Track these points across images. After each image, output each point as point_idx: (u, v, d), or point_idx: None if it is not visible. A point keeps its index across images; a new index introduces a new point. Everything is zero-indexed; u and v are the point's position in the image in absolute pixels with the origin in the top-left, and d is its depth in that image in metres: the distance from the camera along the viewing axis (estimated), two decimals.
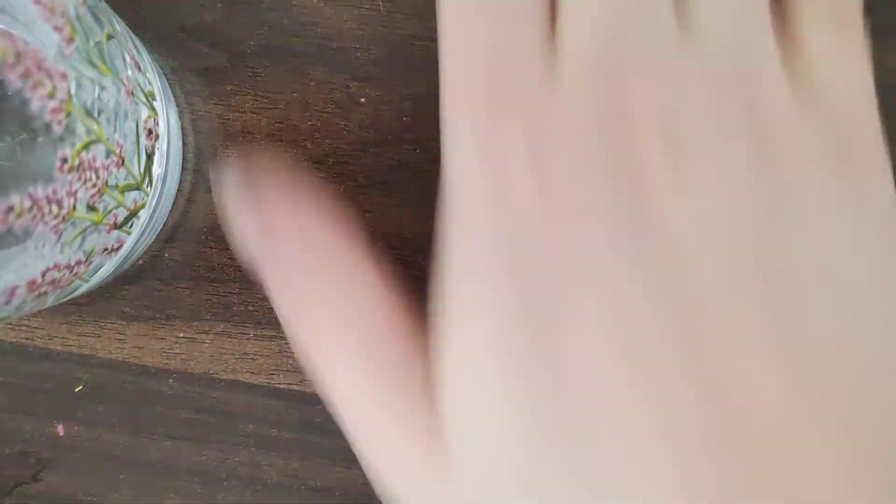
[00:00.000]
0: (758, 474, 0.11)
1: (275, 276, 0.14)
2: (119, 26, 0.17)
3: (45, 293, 0.16)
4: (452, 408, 0.12)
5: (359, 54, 0.19)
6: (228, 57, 0.19)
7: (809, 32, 0.13)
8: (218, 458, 0.20)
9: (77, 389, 0.20)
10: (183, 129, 0.19)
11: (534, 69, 0.13)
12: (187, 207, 0.19)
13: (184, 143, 0.19)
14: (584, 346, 0.12)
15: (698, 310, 0.12)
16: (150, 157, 0.17)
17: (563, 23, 0.13)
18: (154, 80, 0.18)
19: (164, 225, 0.19)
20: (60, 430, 0.20)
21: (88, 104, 0.15)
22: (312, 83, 0.19)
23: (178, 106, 0.19)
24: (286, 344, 0.19)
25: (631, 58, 0.13)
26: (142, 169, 0.17)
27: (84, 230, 0.15)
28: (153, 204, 0.18)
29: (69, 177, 0.14)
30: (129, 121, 0.16)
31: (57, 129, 0.14)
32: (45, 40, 0.14)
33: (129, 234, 0.17)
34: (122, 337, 0.20)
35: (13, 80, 0.13)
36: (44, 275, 0.15)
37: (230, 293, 0.19)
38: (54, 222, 0.14)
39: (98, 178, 0.15)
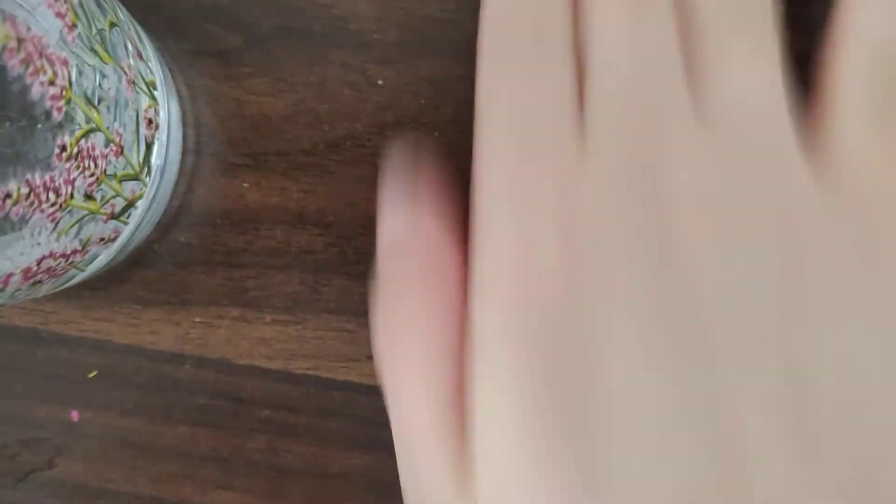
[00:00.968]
0: None
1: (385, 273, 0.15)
2: (122, 14, 0.17)
3: (40, 281, 0.16)
4: (482, 469, 0.13)
5: (377, 36, 0.18)
6: (244, 39, 0.19)
7: (849, 131, 0.13)
8: (234, 443, 0.20)
9: (91, 375, 0.20)
10: (197, 111, 0.19)
11: (565, 136, 0.14)
12: (203, 192, 0.19)
13: (199, 126, 0.19)
14: (610, 418, 0.12)
15: (721, 392, 0.12)
16: (149, 147, 0.17)
17: (591, 95, 0.14)
18: (156, 70, 0.18)
19: (162, 213, 0.19)
20: (75, 416, 0.20)
21: (89, 92, 0.14)
22: (329, 65, 0.19)
23: (191, 89, 0.19)
24: (303, 329, 0.19)
25: (658, 134, 0.13)
26: (141, 159, 0.17)
27: (81, 219, 0.15)
28: (151, 194, 0.18)
29: (67, 165, 0.14)
30: (130, 110, 0.16)
31: (56, 117, 0.14)
32: (48, 26, 0.13)
33: (126, 224, 0.17)
34: (136, 322, 0.20)
35: (14, 65, 0.12)
36: (39, 263, 0.15)
37: (246, 278, 0.19)
38: (51, 210, 0.14)
39: (96, 166, 0.15)
